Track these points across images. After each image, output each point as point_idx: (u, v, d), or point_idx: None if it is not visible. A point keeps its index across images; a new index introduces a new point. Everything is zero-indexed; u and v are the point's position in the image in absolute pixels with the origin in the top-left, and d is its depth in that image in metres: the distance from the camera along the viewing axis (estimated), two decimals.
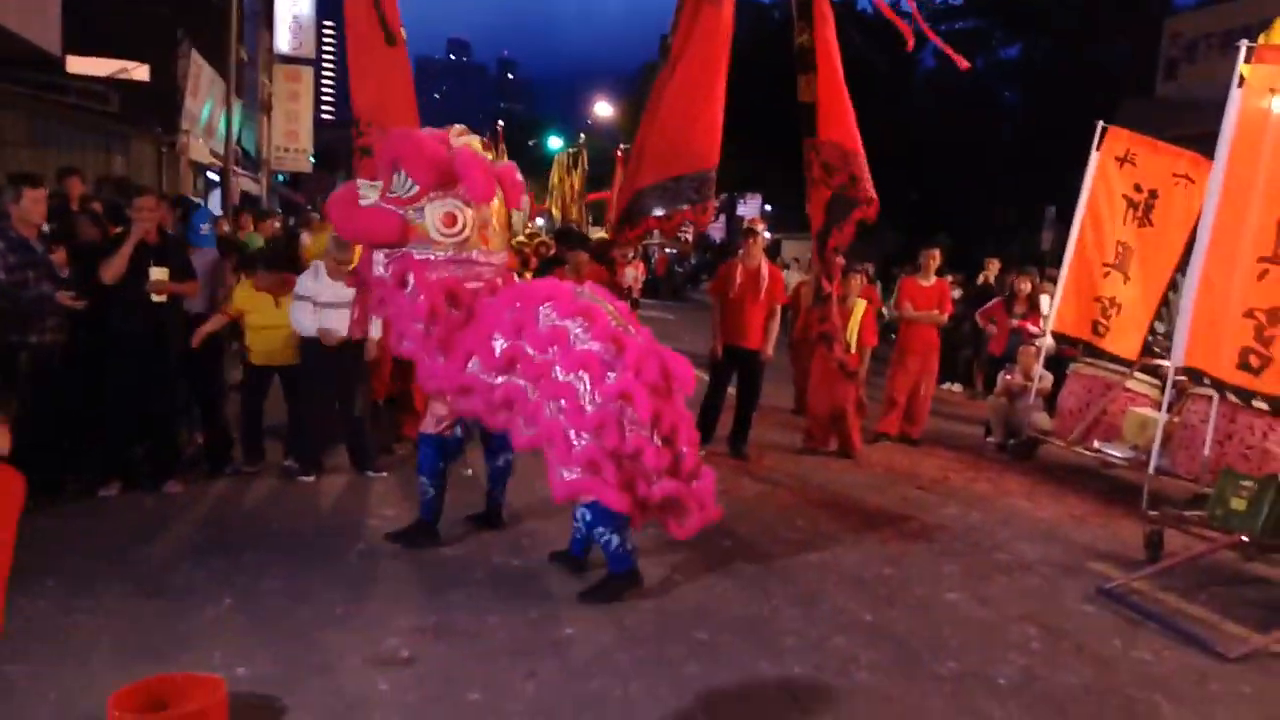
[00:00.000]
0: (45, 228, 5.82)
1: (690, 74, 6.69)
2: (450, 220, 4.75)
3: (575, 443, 4.53)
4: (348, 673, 3.94)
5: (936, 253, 9.68)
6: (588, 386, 4.52)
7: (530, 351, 4.69)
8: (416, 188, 4.74)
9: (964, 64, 6.85)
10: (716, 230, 40.59)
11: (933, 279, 9.61)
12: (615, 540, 4.78)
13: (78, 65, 14.80)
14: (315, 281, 6.45)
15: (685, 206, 6.65)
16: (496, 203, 4.99)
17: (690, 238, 32.99)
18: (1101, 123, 8.94)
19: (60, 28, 12.03)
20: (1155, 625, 5.06)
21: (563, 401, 4.54)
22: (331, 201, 5.03)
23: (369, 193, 4.80)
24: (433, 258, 4.84)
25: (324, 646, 4.06)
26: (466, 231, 4.80)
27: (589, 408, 4.49)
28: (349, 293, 5.76)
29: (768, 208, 38.49)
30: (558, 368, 4.58)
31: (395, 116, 6.85)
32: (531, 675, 4.04)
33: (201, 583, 4.78)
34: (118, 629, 4.24)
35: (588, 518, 4.77)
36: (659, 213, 6.69)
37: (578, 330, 4.62)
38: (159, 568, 4.95)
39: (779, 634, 4.62)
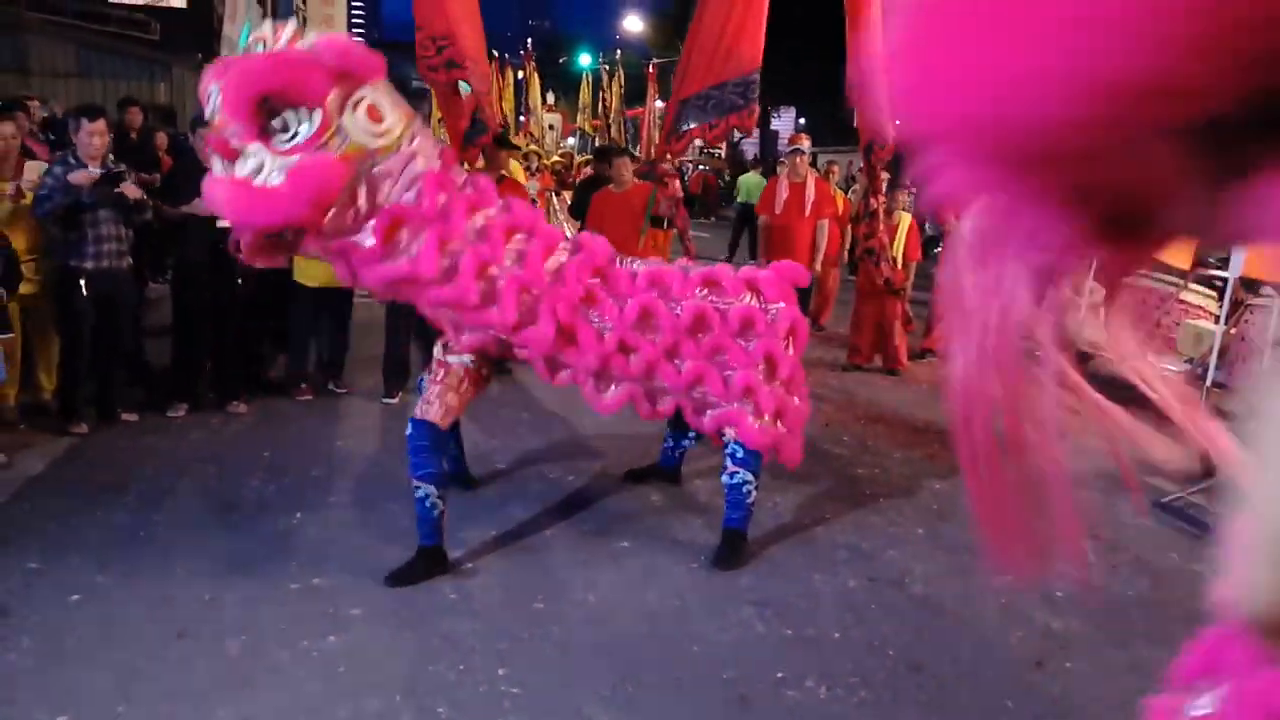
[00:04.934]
0: (110, 159, 5.89)
1: None
2: (375, 114, 3.59)
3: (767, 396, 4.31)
4: (417, 583, 4.10)
5: None
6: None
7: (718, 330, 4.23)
8: (319, 111, 3.49)
9: None
10: (751, 145, 39.95)
11: None
12: (753, 492, 4.50)
13: None
14: None
15: (730, 113, 6.61)
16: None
17: (724, 153, 32.61)
18: None
19: None
20: (1213, 538, 5.08)
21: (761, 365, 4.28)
22: (227, 201, 3.55)
23: (250, 158, 3.48)
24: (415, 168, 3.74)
25: (392, 558, 4.22)
26: (399, 121, 3.68)
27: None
28: None
29: (802, 120, 37.77)
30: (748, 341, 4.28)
31: (468, 30, 6.58)
32: (591, 586, 4.18)
33: (272, 498, 4.96)
34: (194, 541, 4.43)
35: (739, 454, 4.39)
36: (704, 121, 6.65)
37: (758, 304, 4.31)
38: (230, 484, 5.13)
39: (832, 548, 4.71)
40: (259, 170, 3.45)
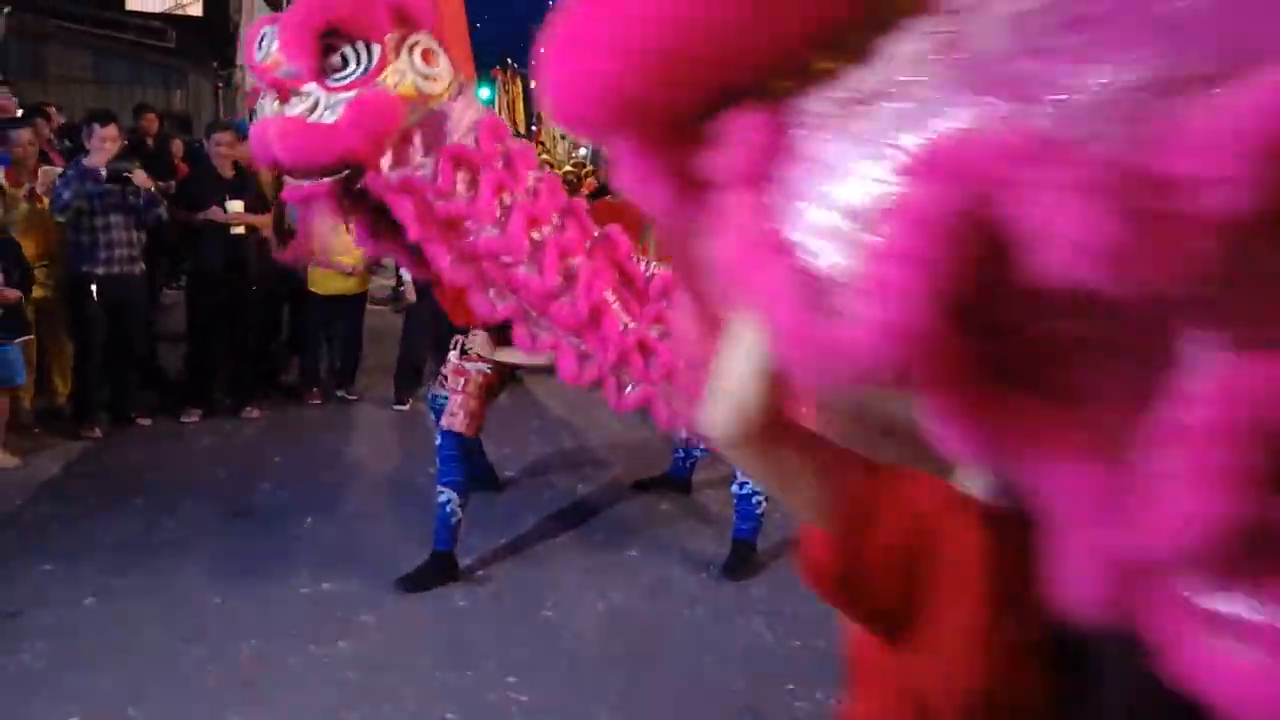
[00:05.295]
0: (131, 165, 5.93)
1: None
2: (430, 58, 3.44)
3: None
4: (427, 590, 4.11)
5: None
6: None
7: None
8: (377, 47, 3.33)
9: None
10: None
11: None
12: (763, 503, 4.44)
13: (135, 2, 14.94)
14: None
15: None
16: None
17: None
18: None
19: None
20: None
21: None
22: (281, 137, 3.29)
23: (304, 98, 3.30)
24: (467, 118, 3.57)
25: (402, 565, 4.23)
26: (449, 70, 3.51)
27: None
28: None
29: None
30: None
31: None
32: (601, 595, 4.18)
33: (283, 503, 4.98)
34: (206, 546, 4.46)
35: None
36: None
37: None
38: (242, 489, 5.15)
39: None
40: (312, 110, 3.28)
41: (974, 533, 1.16)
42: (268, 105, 3.43)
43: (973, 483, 1.18)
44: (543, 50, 1.07)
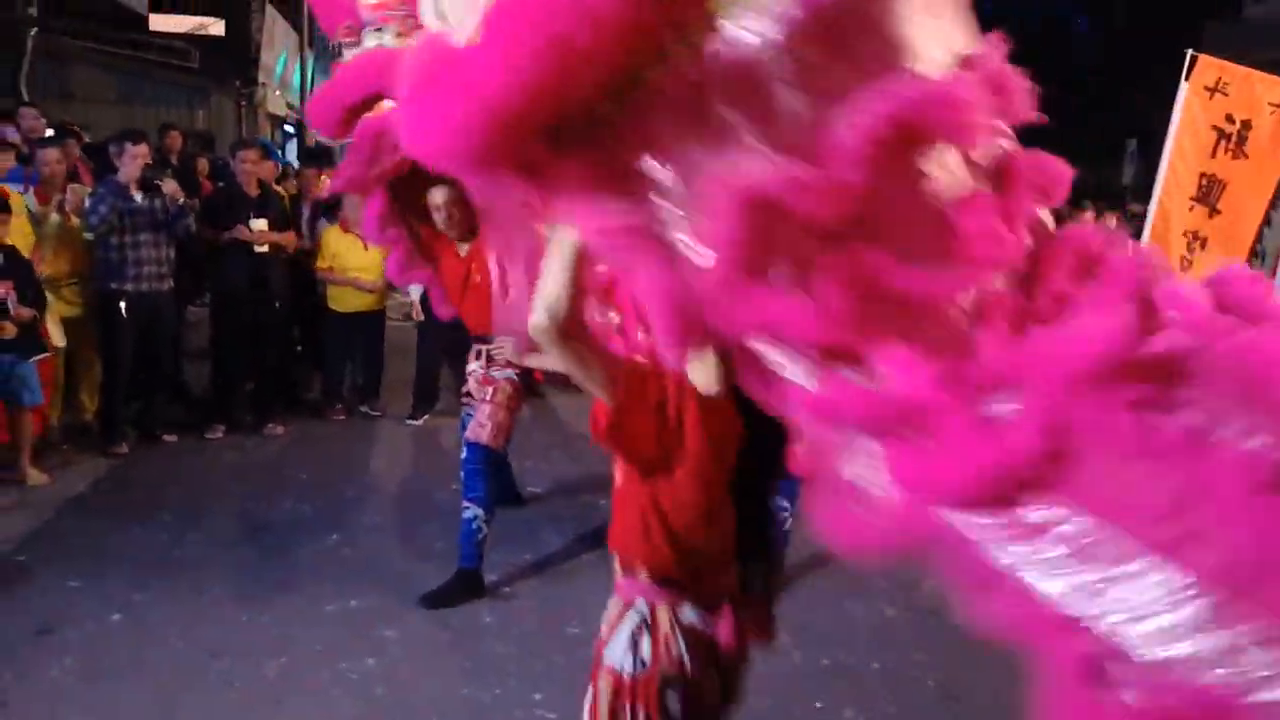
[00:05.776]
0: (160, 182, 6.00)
1: None
2: None
3: None
4: (452, 607, 4.10)
5: None
6: None
7: None
8: None
9: None
10: None
11: None
12: (789, 520, 4.20)
13: (159, 23, 15.08)
14: None
15: None
16: None
17: None
18: (1191, 51, 8.58)
19: None
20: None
21: None
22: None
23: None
24: None
25: (426, 581, 4.22)
26: None
27: None
28: None
29: None
30: None
31: None
32: None
33: (307, 519, 5.00)
34: (229, 561, 4.48)
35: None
36: None
37: None
38: (267, 505, 5.18)
39: (869, 576, 4.65)
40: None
41: (695, 402, 1.87)
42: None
43: (695, 374, 1.76)
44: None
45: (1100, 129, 21.86)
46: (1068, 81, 24.21)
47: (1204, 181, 8.48)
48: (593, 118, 1.31)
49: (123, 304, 5.73)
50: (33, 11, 10.01)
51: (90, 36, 12.74)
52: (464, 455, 4.23)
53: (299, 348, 7.26)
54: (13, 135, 6.61)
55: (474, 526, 4.17)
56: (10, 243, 5.15)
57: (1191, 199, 8.53)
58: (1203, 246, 8.50)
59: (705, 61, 1.29)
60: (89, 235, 5.74)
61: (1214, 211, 8.47)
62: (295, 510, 5.11)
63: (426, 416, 6.80)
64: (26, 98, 9.28)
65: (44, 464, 5.43)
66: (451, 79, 1.35)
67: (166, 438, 6.06)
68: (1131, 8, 22.59)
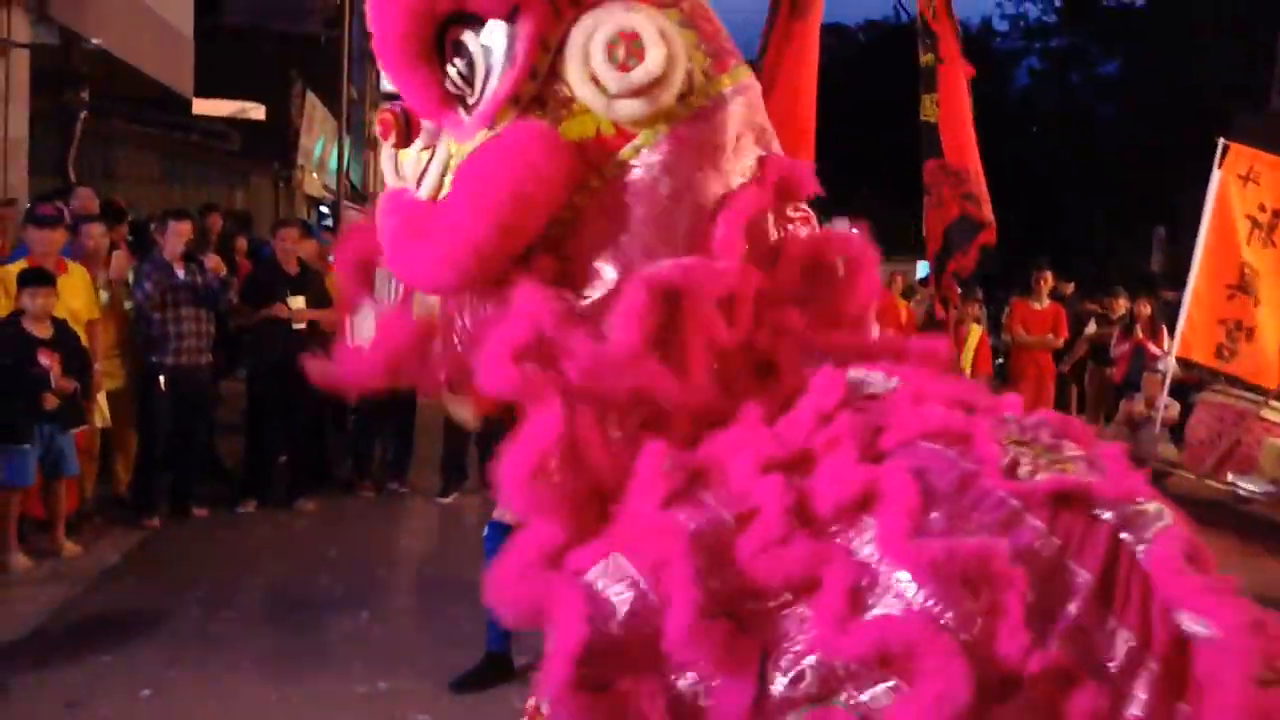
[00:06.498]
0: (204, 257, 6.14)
1: (784, 101, 6.57)
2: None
3: None
4: (483, 690, 4.02)
5: (1049, 274, 9.43)
6: None
7: None
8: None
9: (969, 70, 6.71)
10: None
11: (1046, 302, 9.36)
12: None
13: (202, 106, 15.54)
14: None
15: None
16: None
17: None
18: (1222, 140, 8.63)
19: (193, 72, 12.69)
20: None
21: None
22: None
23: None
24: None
25: (457, 663, 4.15)
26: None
27: None
28: None
29: (854, 230, 38.19)
30: None
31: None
32: None
33: (338, 597, 4.95)
34: (263, 636, 4.44)
35: None
36: None
37: None
38: (297, 582, 5.14)
39: None
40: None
41: None
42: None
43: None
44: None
45: (1127, 216, 21.95)
46: (1094, 170, 24.46)
47: (1244, 270, 8.44)
48: (541, 237, 1.90)
49: (161, 377, 5.79)
50: (85, 95, 10.33)
51: (137, 119, 13.14)
52: (486, 533, 4.13)
53: (332, 424, 7.28)
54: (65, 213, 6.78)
55: None
56: (61, 315, 5.22)
57: (1230, 286, 8.49)
58: (1246, 337, 8.42)
59: (616, 189, 1.88)
60: (128, 305, 5.85)
61: (1257, 301, 8.40)
62: (326, 587, 5.07)
63: (455, 494, 6.77)
64: (73, 178, 9.52)
65: (77, 535, 5.43)
66: (434, 226, 1.88)
67: (198, 512, 6.05)
68: (1157, 97, 22.87)
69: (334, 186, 19.59)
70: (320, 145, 21.03)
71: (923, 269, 13.44)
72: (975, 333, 8.47)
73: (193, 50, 12.59)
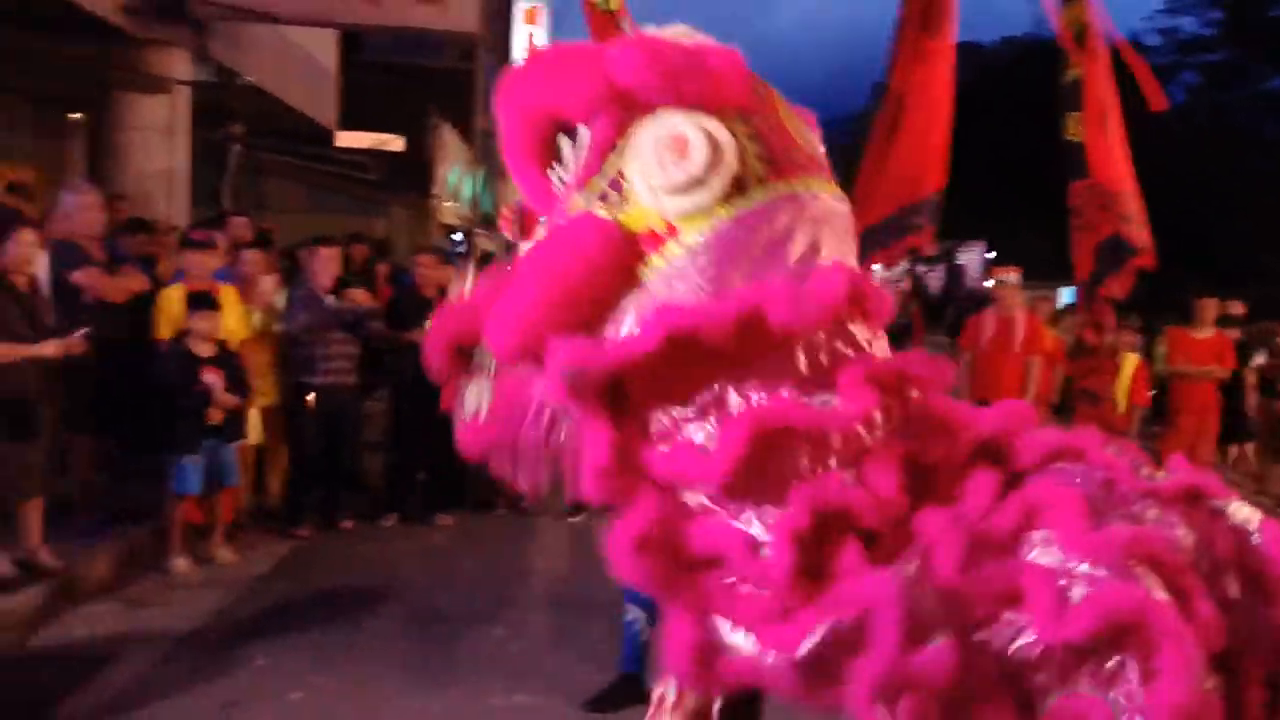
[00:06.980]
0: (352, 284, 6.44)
1: (916, 123, 6.40)
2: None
3: None
4: (616, 711, 4.01)
5: (1213, 302, 8.87)
6: None
7: None
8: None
9: (1161, 102, 6.34)
10: (935, 279, 39.14)
11: (1209, 330, 8.79)
12: None
13: (344, 140, 16.27)
14: None
15: (907, 235, 6.38)
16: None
17: (907, 286, 31.91)
18: None
19: (337, 107, 13.31)
20: None
21: None
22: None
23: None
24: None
25: (590, 682, 4.15)
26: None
27: None
28: None
29: (990, 255, 36.88)
30: None
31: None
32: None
33: (474, 611, 5.04)
34: (401, 651, 4.54)
35: None
36: (881, 247, 6.42)
37: None
38: (436, 595, 5.27)
39: None
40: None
41: None
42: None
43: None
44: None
45: None
46: (1255, 189, 22.96)
47: None
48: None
49: (310, 396, 6.06)
50: (238, 129, 10.97)
51: (284, 151, 13.85)
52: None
53: None
54: (220, 240, 7.19)
55: (636, 629, 4.04)
56: (222, 336, 5.53)
57: None
58: None
59: (663, 278, 1.98)
60: (276, 327, 6.15)
61: None
62: (464, 602, 5.18)
63: (584, 514, 6.83)
64: (228, 206, 10.09)
65: (232, 544, 5.71)
66: (501, 305, 2.06)
67: (344, 524, 6.29)
68: None
69: (468, 214, 20.20)
70: (455, 175, 21.74)
71: (1066, 295, 12.87)
72: (1131, 361, 8.01)
73: (336, 85, 13.21)
